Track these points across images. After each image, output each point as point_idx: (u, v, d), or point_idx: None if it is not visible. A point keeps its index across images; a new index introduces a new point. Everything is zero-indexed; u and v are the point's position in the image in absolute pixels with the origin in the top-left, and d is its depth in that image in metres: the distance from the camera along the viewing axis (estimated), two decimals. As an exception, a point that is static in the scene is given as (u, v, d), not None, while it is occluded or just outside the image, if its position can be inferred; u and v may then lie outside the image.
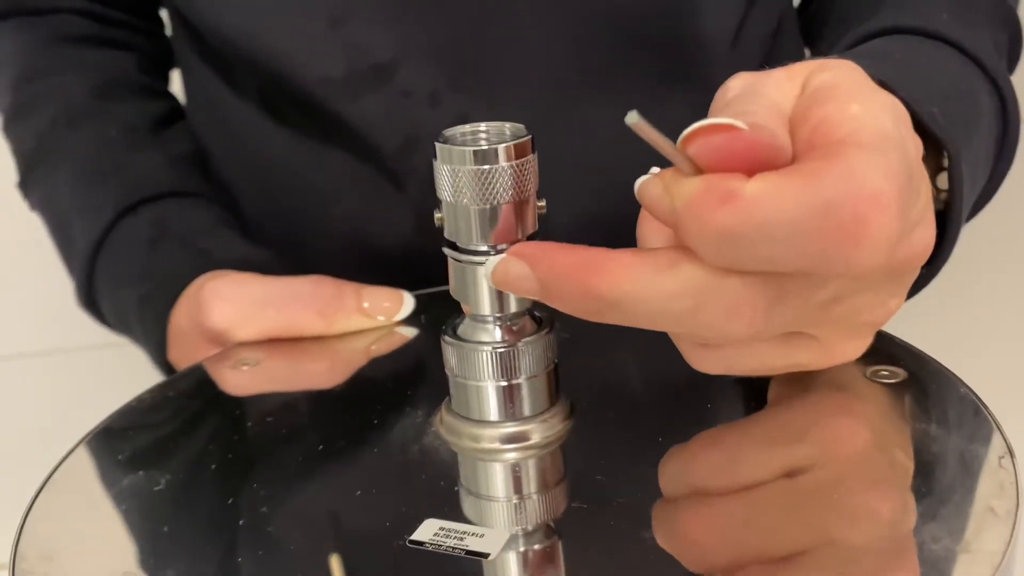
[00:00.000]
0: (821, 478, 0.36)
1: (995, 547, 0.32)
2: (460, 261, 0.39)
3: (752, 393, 0.42)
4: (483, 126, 0.39)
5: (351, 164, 0.62)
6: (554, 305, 0.35)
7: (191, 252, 0.59)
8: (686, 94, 0.61)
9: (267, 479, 0.40)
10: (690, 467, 0.38)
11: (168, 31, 0.73)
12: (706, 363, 0.38)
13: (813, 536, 0.33)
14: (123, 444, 0.44)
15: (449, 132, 0.39)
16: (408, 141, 0.60)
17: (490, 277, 0.37)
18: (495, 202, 0.38)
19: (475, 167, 0.37)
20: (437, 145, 0.38)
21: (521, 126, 0.39)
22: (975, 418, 0.39)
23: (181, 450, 0.44)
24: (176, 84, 0.75)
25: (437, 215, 0.39)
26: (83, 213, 0.63)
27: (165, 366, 0.59)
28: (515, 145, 0.37)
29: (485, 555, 0.34)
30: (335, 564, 0.35)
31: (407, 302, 0.53)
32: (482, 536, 0.35)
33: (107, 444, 0.44)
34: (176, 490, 0.40)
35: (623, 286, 0.33)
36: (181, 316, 0.56)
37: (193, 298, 0.55)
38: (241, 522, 0.37)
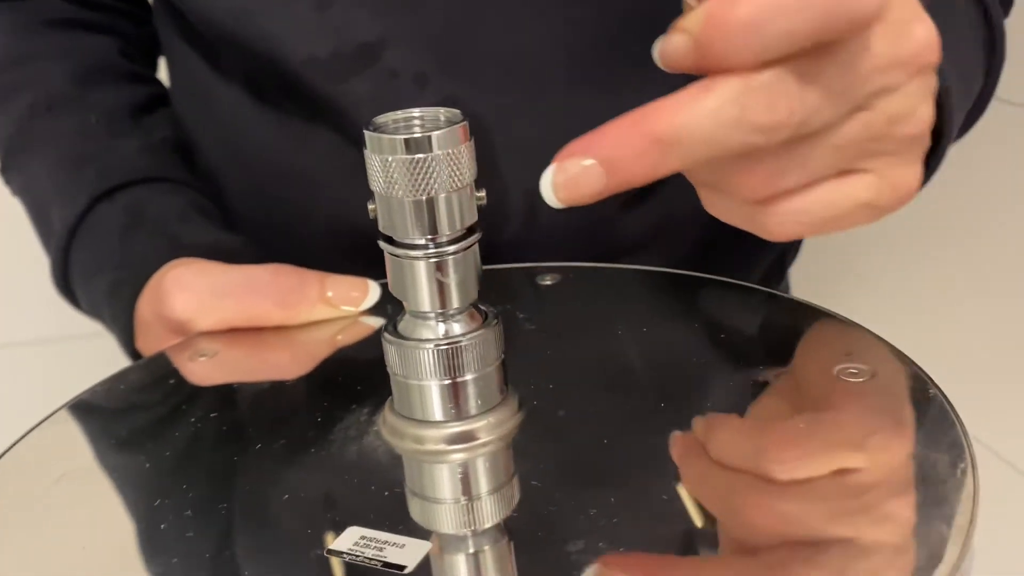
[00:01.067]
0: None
1: (949, 560, 0.30)
2: (396, 256, 0.38)
3: (702, 383, 0.40)
4: (416, 112, 0.37)
5: (337, 147, 0.61)
6: (622, 180, 0.35)
7: (161, 239, 0.58)
8: (677, 78, 0.58)
9: (197, 480, 0.39)
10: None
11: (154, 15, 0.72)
12: (781, 220, 0.38)
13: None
14: (66, 441, 0.43)
15: (380, 119, 0.37)
16: None
17: (554, 194, 0.36)
18: (430, 193, 0.36)
19: (407, 156, 0.35)
20: (366, 133, 0.36)
21: (457, 112, 0.36)
22: (941, 423, 0.37)
23: (119, 447, 0.42)
24: (162, 71, 0.74)
25: (370, 206, 0.38)
26: (60, 199, 0.62)
27: (134, 354, 0.58)
28: (449, 132, 0.35)
29: (401, 568, 0.32)
30: (251, 572, 0.33)
31: (372, 291, 0.51)
32: (403, 547, 0.33)
33: (49, 440, 0.43)
34: (108, 492, 0.39)
35: (674, 119, 0.34)
36: (145, 305, 0.55)
37: (156, 288, 0.54)
38: (162, 526, 0.36)
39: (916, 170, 0.40)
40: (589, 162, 0.35)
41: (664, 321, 0.48)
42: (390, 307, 0.51)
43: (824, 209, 0.38)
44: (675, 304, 0.50)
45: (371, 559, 0.33)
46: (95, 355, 1.08)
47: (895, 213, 0.40)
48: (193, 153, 0.68)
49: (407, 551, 0.33)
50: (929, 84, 0.39)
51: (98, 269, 0.59)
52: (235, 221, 0.65)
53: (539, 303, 0.51)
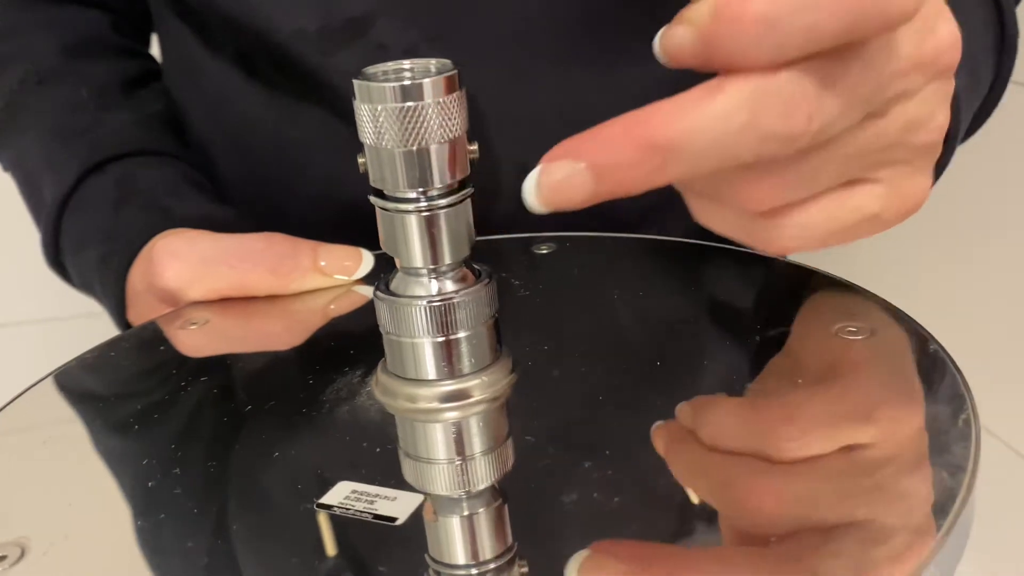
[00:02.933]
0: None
1: (946, 510, 0.29)
2: (387, 210, 0.37)
3: (699, 342, 0.39)
4: (407, 63, 0.36)
5: (326, 121, 0.60)
6: (613, 188, 0.32)
7: (153, 211, 0.57)
8: None
9: (186, 441, 0.38)
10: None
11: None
12: (782, 234, 0.35)
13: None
14: (53, 404, 0.42)
15: (370, 70, 0.36)
16: None
17: (536, 198, 0.32)
18: (421, 143, 0.35)
19: (397, 105, 0.35)
20: (355, 83, 0.35)
21: (448, 62, 0.36)
22: (942, 377, 0.36)
23: (110, 410, 0.42)
24: (155, 47, 0.73)
25: (360, 160, 0.37)
26: (50, 172, 0.62)
27: (125, 326, 0.57)
28: (440, 80, 0.35)
29: (392, 520, 0.32)
30: (239, 526, 0.33)
31: (366, 260, 0.51)
32: (394, 500, 0.33)
33: (39, 404, 0.42)
34: (96, 453, 0.38)
35: (676, 124, 0.31)
36: (136, 277, 0.54)
37: (146, 258, 0.53)
38: (150, 484, 0.35)
39: (926, 180, 0.37)
40: (579, 166, 0.32)
41: (662, 286, 0.48)
42: (383, 275, 0.50)
43: (828, 222, 0.35)
44: (673, 270, 0.49)
45: (361, 512, 0.32)
46: (85, 336, 1.08)
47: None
48: (184, 127, 0.68)
49: (398, 504, 0.32)
50: (948, 88, 0.36)
51: (89, 241, 0.59)
52: (225, 195, 0.65)
53: (535, 271, 0.50)
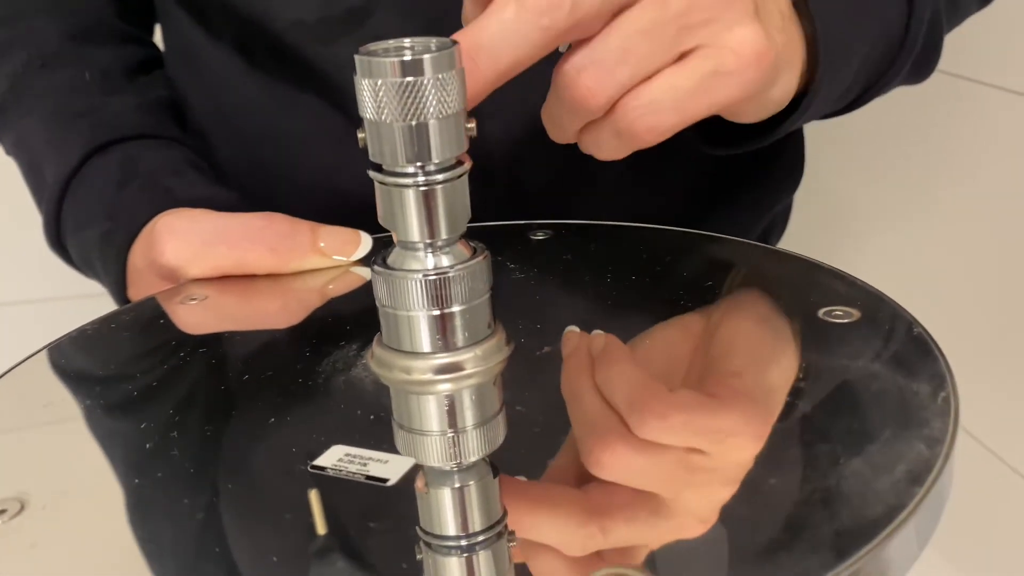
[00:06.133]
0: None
1: (922, 486, 0.30)
2: (386, 184, 0.38)
3: (693, 327, 0.40)
4: (407, 41, 0.37)
5: (323, 110, 0.61)
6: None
7: (154, 192, 0.58)
8: None
9: (182, 406, 0.39)
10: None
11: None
12: (637, 116, 0.40)
13: None
14: (52, 371, 0.43)
15: (372, 46, 0.37)
16: None
17: None
18: (420, 118, 0.36)
19: (398, 79, 0.35)
20: (357, 58, 0.36)
21: (448, 39, 0.37)
22: (924, 358, 0.37)
23: (109, 379, 0.43)
24: (158, 36, 0.74)
25: (360, 135, 0.38)
26: (53, 153, 0.63)
27: (125, 304, 0.58)
28: (440, 56, 0.35)
29: (384, 480, 0.32)
30: (233, 486, 0.33)
31: (364, 242, 0.51)
32: (386, 462, 0.33)
33: (39, 371, 0.43)
34: (94, 416, 0.39)
35: (470, 32, 0.39)
36: (138, 254, 0.55)
37: (148, 235, 0.54)
38: (148, 446, 0.36)
39: (752, 29, 0.40)
40: None
41: (653, 271, 0.49)
42: (381, 252, 0.51)
43: (671, 91, 0.40)
44: (665, 256, 0.50)
45: (354, 473, 0.33)
46: (79, 318, 1.08)
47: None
48: (183, 113, 0.68)
49: (390, 466, 0.33)
50: None
51: (91, 220, 0.59)
52: (222, 180, 0.65)
53: (530, 256, 0.51)
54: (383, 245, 0.51)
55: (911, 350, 0.38)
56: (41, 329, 1.12)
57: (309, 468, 0.33)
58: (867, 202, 1.02)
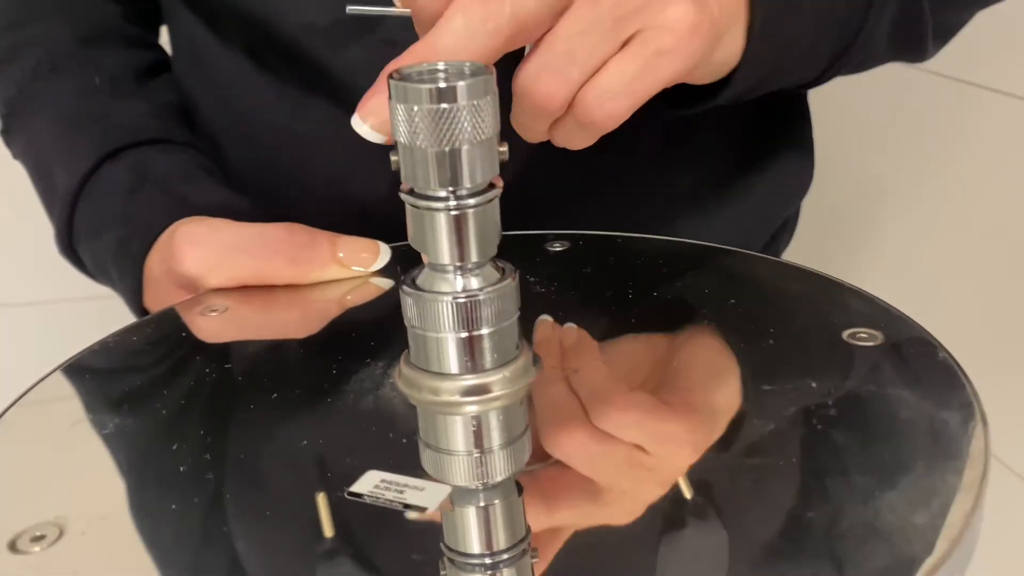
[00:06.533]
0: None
1: (956, 519, 0.30)
2: (418, 207, 0.38)
3: (717, 345, 0.40)
4: (441, 65, 0.37)
5: (333, 114, 0.61)
6: None
7: (169, 198, 0.58)
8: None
9: (214, 426, 0.39)
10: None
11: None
12: (594, 106, 0.43)
13: None
14: (79, 387, 0.43)
15: (406, 70, 0.37)
16: None
17: (364, 126, 0.42)
18: (454, 144, 0.36)
19: (432, 106, 0.35)
20: (391, 83, 0.36)
21: (482, 65, 0.37)
22: (951, 384, 0.37)
23: (135, 395, 0.43)
24: (165, 41, 0.74)
25: (393, 158, 0.38)
26: (64, 159, 0.62)
27: (141, 312, 0.58)
28: (475, 83, 0.36)
29: (423, 509, 0.33)
30: (269, 513, 0.34)
31: (383, 253, 0.52)
32: (423, 490, 0.34)
33: (62, 386, 0.43)
34: (124, 435, 0.39)
35: (425, 43, 0.41)
36: (155, 262, 0.55)
37: (166, 244, 0.54)
38: (182, 469, 0.36)
39: (682, 5, 0.43)
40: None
41: (675, 287, 0.49)
42: (399, 268, 0.51)
43: (621, 76, 0.42)
44: (686, 271, 0.50)
45: (392, 501, 0.33)
46: (78, 319, 1.08)
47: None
48: (192, 116, 0.68)
49: (427, 494, 0.33)
50: None
51: (104, 227, 0.59)
52: (232, 185, 0.65)
53: (550, 268, 0.51)
54: (400, 255, 0.52)
55: (937, 376, 0.38)
56: (41, 331, 1.12)
57: (346, 495, 0.34)
58: (875, 205, 1.02)
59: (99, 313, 1.01)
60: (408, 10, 0.44)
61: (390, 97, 0.36)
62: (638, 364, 0.43)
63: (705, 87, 0.51)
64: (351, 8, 0.47)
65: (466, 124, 0.36)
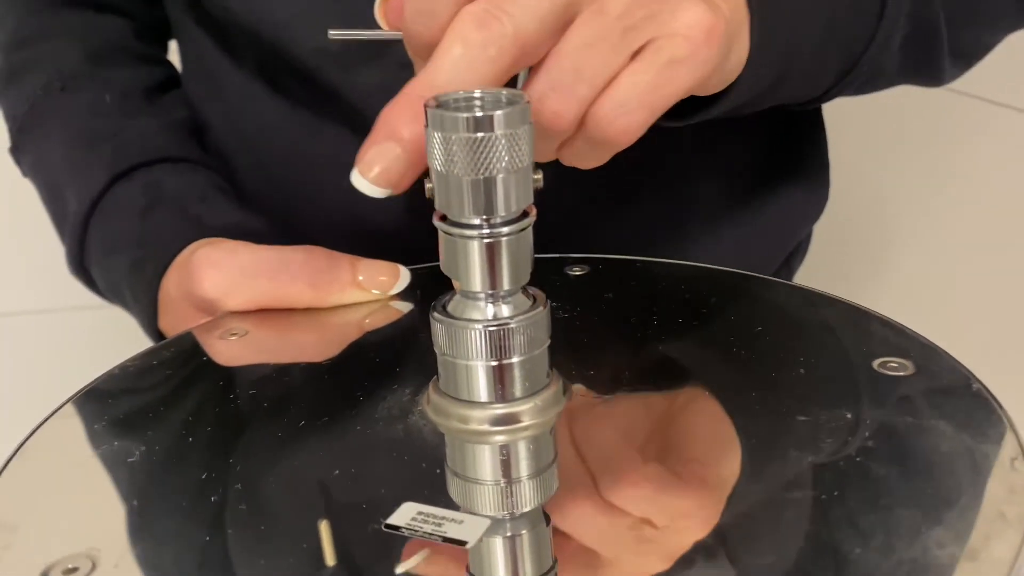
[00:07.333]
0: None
1: (1004, 555, 0.30)
2: (451, 235, 0.38)
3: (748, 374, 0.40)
4: (478, 92, 0.37)
5: (346, 136, 0.61)
6: (415, 147, 0.39)
7: (183, 218, 0.58)
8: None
9: (244, 454, 0.39)
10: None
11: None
12: (608, 121, 0.40)
13: None
14: (101, 412, 0.43)
15: (443, 97, 0.37)
16: None
17: (364, 181, 0.41)
18: (490, 172, 0.36)
19: (468, 135, 0.35)
20: (428, 110, 0.36)
21: (519, 92, 0.37)
22: (988, 416, 0.37)
23: (159, 421, 0.42)
24: (173, 54, 0.73)
25: (428, 185, 0.37)
26: (76, 178, 0.62)
27: (156, 334, 0.57)
28: (512, 112, 0.35)
29: (463, 543, 0.32)
30: (306, 546, 0.33)
31: (403, 276, 0.51)
32: (461, 523, 0.33)
33: (84, 412, 0.43)
34: (150, 463, 0.39)
35: (422, 78, 0.39)
36: (171, 284, 0.55)
37: (183, 266, 0.53)
38: (213, 499, 0.36)
39: (695, 9, 0.40)
40: (391, 146, 0.39)
41: (699, 314, 0.49)
42: (418, 291, 0.51)
43: (633, 90, 0.40)
44: (709, 297, 0.50)
45: (431, 534, 0.33)
46: (76, 329, 1.08)
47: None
48: (202, 134, 0.68)
49: (466, 527, 0.33)
50: None
51: (118, 247, 0.59)
52: (244, 205, 0.65)
53: (571, 293, 0.51)
54: (420, 278, 0.51)
55: (973, 408, 0.38)
56: (39, 341, 1.12)
57: (384, 527, 0.33)
58: (886, 225, 1.02)
59: (92, 323, 1.00)
60: (398, 33, 0.42)
61: (427, 125, 0.36)
62: (672, 396, 0.43)
63: (699, 98, 0.49)
64: (333, 33, 0.44)
65: (503, 153, 0.36)
